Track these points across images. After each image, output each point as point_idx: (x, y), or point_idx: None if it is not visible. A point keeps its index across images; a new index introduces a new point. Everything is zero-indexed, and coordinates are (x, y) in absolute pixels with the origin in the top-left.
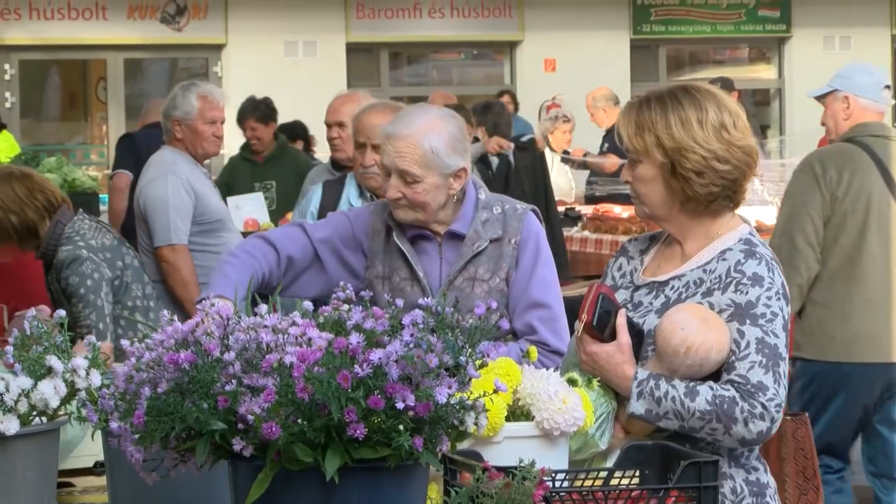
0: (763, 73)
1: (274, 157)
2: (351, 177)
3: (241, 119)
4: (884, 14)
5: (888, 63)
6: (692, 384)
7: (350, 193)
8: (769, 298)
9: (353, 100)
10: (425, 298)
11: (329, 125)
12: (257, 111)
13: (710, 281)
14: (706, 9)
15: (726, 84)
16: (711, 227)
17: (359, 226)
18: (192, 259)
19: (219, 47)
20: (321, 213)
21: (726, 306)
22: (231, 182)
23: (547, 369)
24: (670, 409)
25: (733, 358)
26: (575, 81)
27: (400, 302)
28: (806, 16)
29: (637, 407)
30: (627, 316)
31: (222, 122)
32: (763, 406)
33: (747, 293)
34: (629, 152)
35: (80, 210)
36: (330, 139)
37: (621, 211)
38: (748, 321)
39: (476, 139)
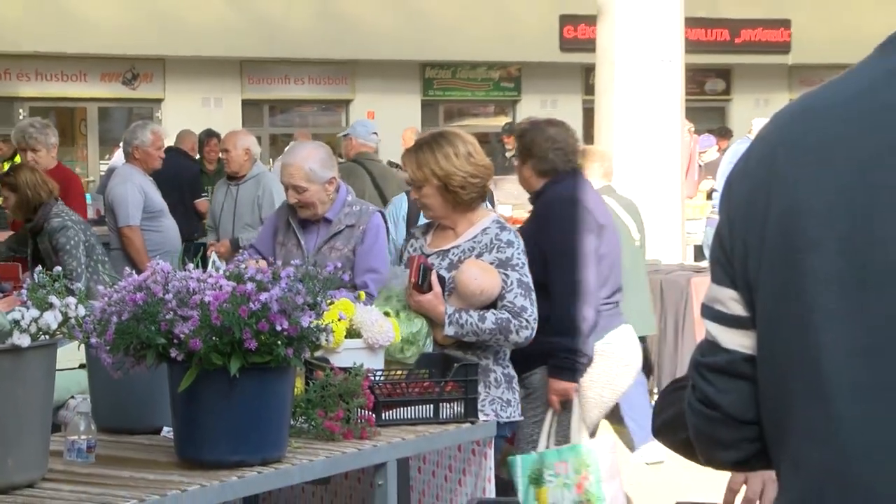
0: (503, 123)
1: None
2: None
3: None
4: (578, 86)
5: (580, 118)
6: (482, 312)
7: None
8: (519, 255)
9: (233, 135)
10: (302, 259)
11: (221, 150)
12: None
13: (479, 248)
14: (468, 81)
15: (514, 127)
16: (472, 216)
17: (275, 216)
18: (142, 235)
19: (160, 101)
20: (409, 217)
21: (493, 262)
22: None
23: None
24: (470, 329)
25: (504, 292)
26: (386, 126)
27: (279, 262)
28: (529, 86)
29: (449, 331)
30: (438, 273)
31: (163, 148)
32: (526, 320)
33: (505, 252)
34: (414, 181)
35: (60, 201)
36: (224, 160)
37: None
38: (510, 269)
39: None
